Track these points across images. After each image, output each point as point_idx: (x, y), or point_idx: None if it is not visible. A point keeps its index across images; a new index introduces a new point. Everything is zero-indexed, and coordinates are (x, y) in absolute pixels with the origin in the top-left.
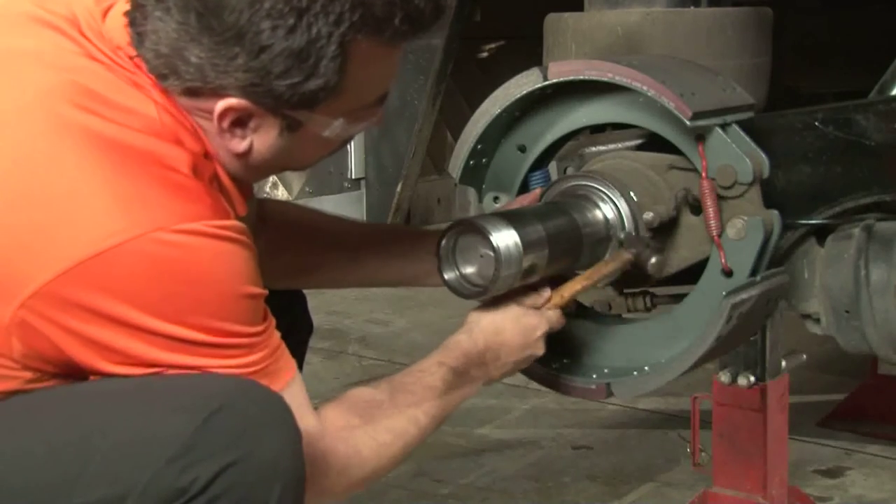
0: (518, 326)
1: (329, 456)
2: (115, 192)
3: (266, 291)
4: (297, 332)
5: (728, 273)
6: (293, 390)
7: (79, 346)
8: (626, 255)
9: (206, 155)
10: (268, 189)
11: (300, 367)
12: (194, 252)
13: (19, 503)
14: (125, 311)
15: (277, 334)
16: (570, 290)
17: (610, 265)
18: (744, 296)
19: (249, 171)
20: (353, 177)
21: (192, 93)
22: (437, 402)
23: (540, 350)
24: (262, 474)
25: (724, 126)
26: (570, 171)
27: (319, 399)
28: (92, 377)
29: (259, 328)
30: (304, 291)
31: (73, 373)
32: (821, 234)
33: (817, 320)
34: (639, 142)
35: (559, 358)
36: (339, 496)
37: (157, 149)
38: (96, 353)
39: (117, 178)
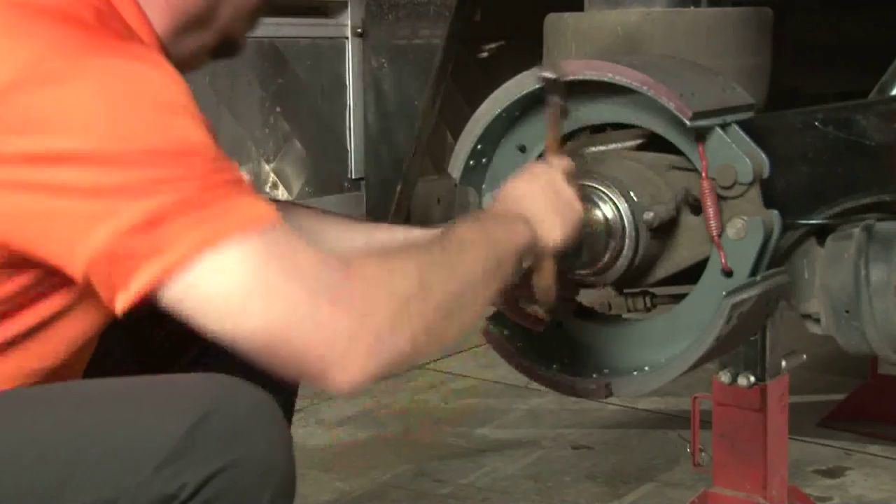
0: (526, 175)
1: (366, 273)
2: (14, 35)
3: (212, 128)
4: None
5: (728, 273)
6: (284, 231)
7: (15, 200)
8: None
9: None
10: (268, 189)
11: None
12: (111, 68)
13: None
14: (43, 140)
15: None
16: (550, 139)
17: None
18: (744, 296)
19: (178, 32)
20: (353, 177)
21: None
22: (467, 235)
23: (568, 191)
24: (253, 479)
25: (724, 126)
26: None
27: (319, 400)
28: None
29: (209, 147)
30: None
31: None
32: (821, 234)
33: (817, 320)
34: (639, 142)
35: (559, 358)
36: (400, 325)
37: (61, 3)
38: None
39: (18, 24)
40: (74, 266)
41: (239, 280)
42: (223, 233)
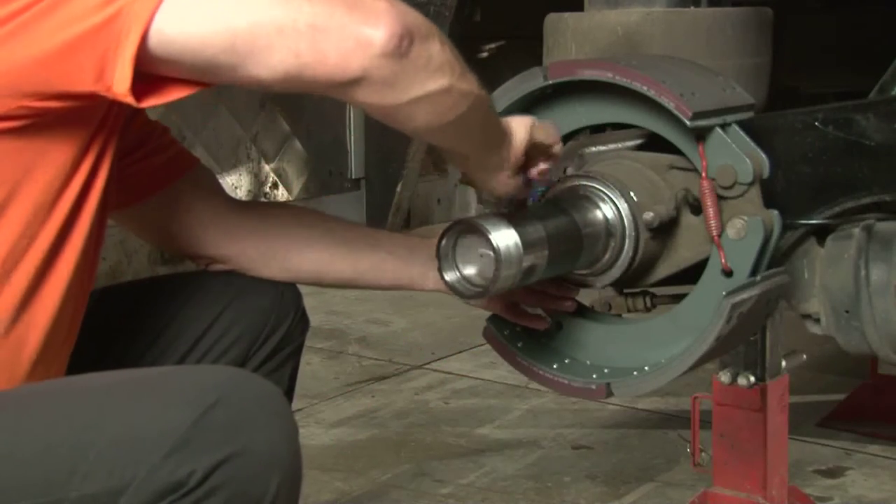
0: None
1: None
2: None
3: None
4: (294, 327)
5: (728, 273)
6: None
7: None
8: None
9: None
10: (268, 189)
11: (298, 363)
12: None
13: (16, 499)
14: None
15: None
16: None
17: None
18: (744, 296)
19: None
20: (353, 177)
21: None
22: None
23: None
24: (260, 467)
25: (724, 126)
26: (570, 171)
27: (318, 400)
28: None
29: None
30: (304, 291)
31: None
32: (821, 234)
33: (817, 320)
34: (639, 142)
35: (559, 358)
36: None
37: None
38: None
39: None
40: (73, 63)
41: None
42: None
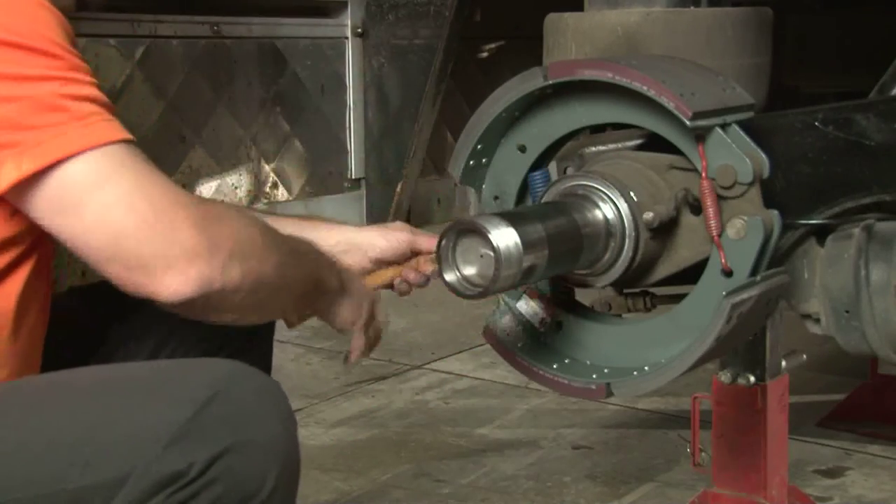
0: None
1: (219, 210)
2: None
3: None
4: None
5: (728, 273)
6: (126, 151)
7: None
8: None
9: None
10: (268, 189)
11: (271, 346)
12: None
13: (16, 490)
14: None
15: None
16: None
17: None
18: (744, 296)
19: None
20: (353, 177)
21: None
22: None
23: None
24: (258, 460)
25: (724, 126)
26: (570, 171)
27: (318, 400)
28: None
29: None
30: None
31: None
32: (821, 234)
33: (817, 320)
34: (639, 142)
35: (559, 358)
36: (237, 261)
37: None
38: None
39: None
40: None
41: (97, 180)
42: (89, 140)
